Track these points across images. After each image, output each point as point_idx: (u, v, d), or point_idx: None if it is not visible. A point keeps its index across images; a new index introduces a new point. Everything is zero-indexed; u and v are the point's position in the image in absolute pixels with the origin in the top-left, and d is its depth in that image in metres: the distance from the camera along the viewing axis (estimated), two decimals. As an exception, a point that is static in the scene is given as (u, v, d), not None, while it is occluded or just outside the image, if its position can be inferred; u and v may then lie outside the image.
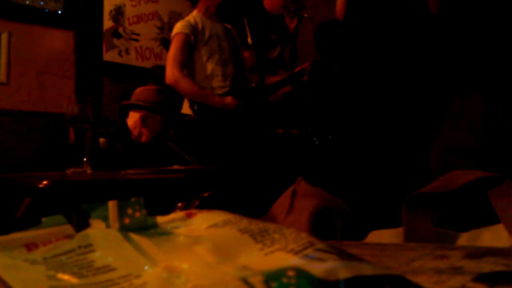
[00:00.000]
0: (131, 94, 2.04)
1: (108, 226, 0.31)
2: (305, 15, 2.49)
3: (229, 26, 2.32)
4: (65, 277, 0.26)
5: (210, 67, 2.17)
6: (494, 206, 0.35)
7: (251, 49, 2.26)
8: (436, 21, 1.23)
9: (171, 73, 2.12)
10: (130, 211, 0.32)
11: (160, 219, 0.33)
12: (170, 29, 2.29)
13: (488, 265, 0.26)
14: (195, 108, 2.18)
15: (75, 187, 1.06)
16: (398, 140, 1.39)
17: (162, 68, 2.43)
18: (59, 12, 3.02)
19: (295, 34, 2.60)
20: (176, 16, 3.82)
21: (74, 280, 0.25)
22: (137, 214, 0.32)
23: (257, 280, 0.21)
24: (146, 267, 0.26)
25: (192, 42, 2.15)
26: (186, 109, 2.29)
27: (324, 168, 1.33)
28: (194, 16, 2.23)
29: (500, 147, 0.95)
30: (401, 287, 0.21)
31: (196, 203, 0.52)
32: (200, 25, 2.19)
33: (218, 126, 2.12)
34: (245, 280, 0.21)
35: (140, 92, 1.96)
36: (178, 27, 2.18)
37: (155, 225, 0.32)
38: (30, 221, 0.31)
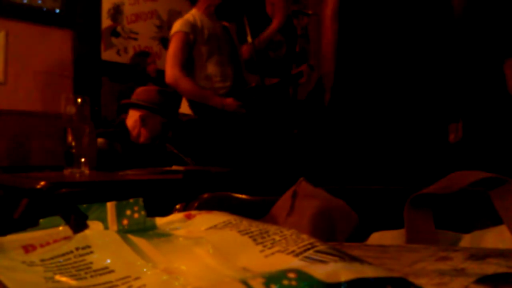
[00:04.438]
0: (130, 93, 2.04)
1: (106, 228, 0.31)
2: (310, 12, 2.51)
3: (226, 24, 2.32)
4: (63, 279, 0.25)
5: (209, 67, 2.17)
6: (496, 207, 0.35)
7: (252, 49, 2.25)
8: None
9: (171, 72, 2.11)
10: (128, 212, 0.32)
11: (159, 221, 0.33)
12: (169, 28, 2.29)
13: (491, 267, 0.26)
14: (195, 108, 2.18)
15: (73, 188, 1.06)
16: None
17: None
18: (57, 11, 3.01)
19: (304, 33, 2.61)
20: (176, 15, 3.82)
21: (72, 282, 0.25)
22: (136, 215, 0.32)
23: (257, 282, 0.21)
24: (145, 269, 0.26)
25: (191, 41, 2.14)
26: (184, 108, 2.28)
27: (326, 168, 1.33)
28: (193, 14, 2.22)
29: None
30: (404, 290, 0.21)
31: (196, 204, 0.52)
32: (200, 24, 2.18)
33: (218, 126, 2.12)
34: (245, 282, 0.21)
35: (141, 92, 1.96)
36: (177, 25, 2.17)
37: (154, 227, 0.32)
38: (28, 223, 0.31)
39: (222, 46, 2.21)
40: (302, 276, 0.21)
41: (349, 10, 1.42)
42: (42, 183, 0.97)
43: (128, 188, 1.15)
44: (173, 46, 2.13)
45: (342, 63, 1.44)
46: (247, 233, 0.28)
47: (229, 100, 2.11)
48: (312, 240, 0.25)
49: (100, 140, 1.74)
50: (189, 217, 0.33)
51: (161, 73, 2.87)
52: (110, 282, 0.25)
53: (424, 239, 0.36)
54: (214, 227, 0.30)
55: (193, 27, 2.15)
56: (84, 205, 0.32)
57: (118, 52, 3.75)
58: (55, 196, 0.95)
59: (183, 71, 2.12)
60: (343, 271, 0.21)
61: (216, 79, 2.17)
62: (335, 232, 0.43)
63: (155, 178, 1.26)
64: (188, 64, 2.18)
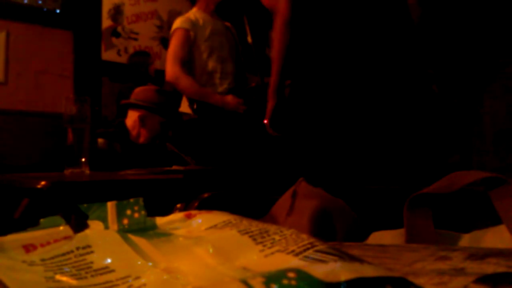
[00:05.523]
0: (129, 93, 2.04)
1: (106, 227, 0.31)
2: None
3: (228, 24, 2.32)
4: (64, 278, 0.25)
5: (210, 64, 2.15)
6: (496, 207, 0.35)
7: (252, 48, 2.25)
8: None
9: (172, 70, 2.10)
10: (129, 212, 0.32)
11: (159, 220, 0.33)
12: (170, 28, 2.29)
13: (490, 266, 0.26)
14: (195, 107, 2.17)
15: (73, 188, 1.06)
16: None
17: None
18: (58, 11, 3.02)
19: None
20: (176, 15, 3.81)
21: (72, 281, 0.25)
22: (136, 215, 0.32)
23: (257, 282, 0.21)
24: (145, 269, 0.26)
25: (192, 38, 2.14)
26: (184, 107, 2.28)
27: (325, 168, 1.33)
28: (194, 13, 2.22)
29: None
30: (403, 289, 0.21)
31: (196, 204, 0.52)
32: (200, 21, 2.17)
33: (218, 125, 2.11)
34: (245, 282, 0.21)
35: (139, 92, 1.96)
36: (178, 22, 2.16)
37: (154, 226, 0.32)
38: (28, 222, 0.31)
39: (223, 43, 2.20)
40: (302, 275, 0.21)
41: (303, 19, 1.42)
42: (42, 183, 0.97)
43: (128, 188, 1.14)
44: (174, 43, 2.13)
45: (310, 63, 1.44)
46: (247, 233, 0.28)
47: (229, 98, 2.10)
48: (311, 240, 0.25)
49: (100, 140, 1.74)
50: (189, 217, 0.33)
51: (160, 73, 2.87)
52: (111, 281, 0.25)
53: (423, 239, 0.36)
54: (214, 226, 0.30)
55: (193, 24, 2.14)
56: (85, 205, 0.32)
57: (118, 52, 3.75)
58: (55, 196, 0.95)
59: (183, 68, 2.12)
60: (343, 271, 0.21)
61: (216, 76, 2.16)
62: (335, 232, 0.43)
63: (155, 178, 1.26)
64: (188, 61, 2.18)
